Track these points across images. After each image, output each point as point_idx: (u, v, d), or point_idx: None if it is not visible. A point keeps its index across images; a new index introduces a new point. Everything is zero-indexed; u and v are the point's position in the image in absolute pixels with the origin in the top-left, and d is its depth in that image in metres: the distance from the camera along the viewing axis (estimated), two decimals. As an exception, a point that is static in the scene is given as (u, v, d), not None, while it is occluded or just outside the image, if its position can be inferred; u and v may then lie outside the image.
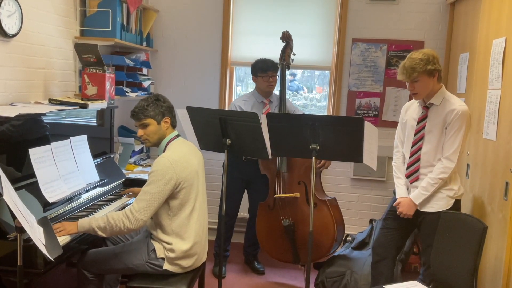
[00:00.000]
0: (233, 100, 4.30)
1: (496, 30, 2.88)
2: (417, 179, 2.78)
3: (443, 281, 2.48)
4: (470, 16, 3.54)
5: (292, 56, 3.74)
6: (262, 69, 3.58)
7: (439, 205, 2.71)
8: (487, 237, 2.37)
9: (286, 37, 3.71)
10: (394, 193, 2.92)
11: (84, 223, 2.36)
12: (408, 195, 2.79)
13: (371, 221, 3.95)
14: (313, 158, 2.71)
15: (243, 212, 4.09)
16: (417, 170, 2.77)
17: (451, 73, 3.97)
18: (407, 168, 2.82)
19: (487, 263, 2.80)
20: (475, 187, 3.10)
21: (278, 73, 3.66)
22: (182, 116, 3.01)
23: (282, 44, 3.74)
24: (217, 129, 2.84)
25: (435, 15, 4.15)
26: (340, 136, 2.68)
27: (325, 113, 4.50)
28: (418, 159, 2.77)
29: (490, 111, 2.87)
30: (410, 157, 2.80)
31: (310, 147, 2.69)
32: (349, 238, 3.98)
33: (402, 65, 2.68)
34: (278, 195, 3.54)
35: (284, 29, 3.72)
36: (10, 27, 2.66)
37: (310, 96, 4.63)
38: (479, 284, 2.85)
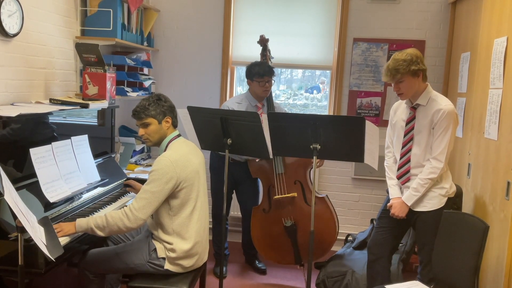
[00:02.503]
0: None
1: (498, 29, 2.88)
2: (408, 180, 2.78)
3: (445, 280, 2.47)
4: (472, 15, 3.53)
5: (271, 60, 3.72)
6: (259, 74, 3.49)
7: (431, 204, 2.72)
8: (489, 237, 2.36)
9: (264, 41, 3.70)
10: (388, 192, 2.92)
11: (82, 223, 2.35)
12: (401, 195, 2.80)
13: (372, 220, 3.94)
14: (314, 157, 2.71)
15: (237, 211, 4.09)
16: (408, 171, 2.78)
17: (453, 73, 3.96)
18: (398, 169, 2.82)
19: (489, 263, 2.79)
20: (476, 186, 3.10)
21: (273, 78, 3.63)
22: (183, 115, 3.01)
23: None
24: (218, 128, 2.84)
25: (437, 14, 4.14)
26: (341, 135, 2.67)
27: (326, 113, 4.49)
28: (408, 160, 2.77)
29: (491, 110, 2.87)
30: (400, 158, 2.81)
31: (311, 146, 2.68)
32: (350, 238, 3.97)
33: (386, 66, 2.68)
34: (277, 197, 3.53)
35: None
36: (11, 27, 2.66)
37: (311, 96, 4.63)
38: (480, 284, 2.84)
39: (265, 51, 3.72)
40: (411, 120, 2.76)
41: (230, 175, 3.58)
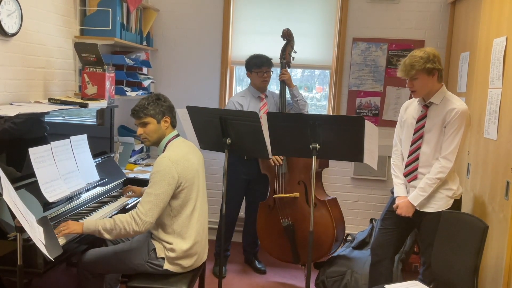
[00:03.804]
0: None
1: (497, 29, 2.88)
2: (415, 178, 2.77)
3: (444, 280, 2.47)
4: (471, 15, 3.53)
5: (293, 54, 3.72)
6: (257, 65, 3.60)
7: (438, 205, 2.71)
8: (488, 237, 2.36)
9: (287, 35, 3.70)
10: (392, 192, 2.91)
11: (90, 224, 2.35)
12: (407, 193, 2.79)
13: (371, 220, 3.94)
14: (314, 157, 2.70)
15: (243, 212, 4.08)
16: (416, 169, 2.77)
17: (452, 72, 3.96)
18: (406, 167, 2.81)
19: (488, 263, 2.80)
20: (476, 186, 3.10)
21: (272, 69, 3.67)
22: (182, 115, 3.01)
23: (282, 43, 3.73)
24: (217, 128, 2.83)
25: (436, 14, 4.14)
26: (341, 135, 2.67)
27: (325, 113, 4.49)
28: (416, 158, 2.76)
29: (490, 110, 2.87)
30: (408, 156, 2.80)
31: (310, 146, 2.68)
32: (349, 238, 3.97)
33: (403, 62, 2.69)
34: (278, 195, 3.54)
35: (285, 28, 3.71)
36: (9, 27, 2.65)
37: (310, 96, 4.62)
38: (479, 284, 2.84)
39: (286, 46, 3.69)
40: (422, 118, 2.74)
41: (246, 173, 3.61)
